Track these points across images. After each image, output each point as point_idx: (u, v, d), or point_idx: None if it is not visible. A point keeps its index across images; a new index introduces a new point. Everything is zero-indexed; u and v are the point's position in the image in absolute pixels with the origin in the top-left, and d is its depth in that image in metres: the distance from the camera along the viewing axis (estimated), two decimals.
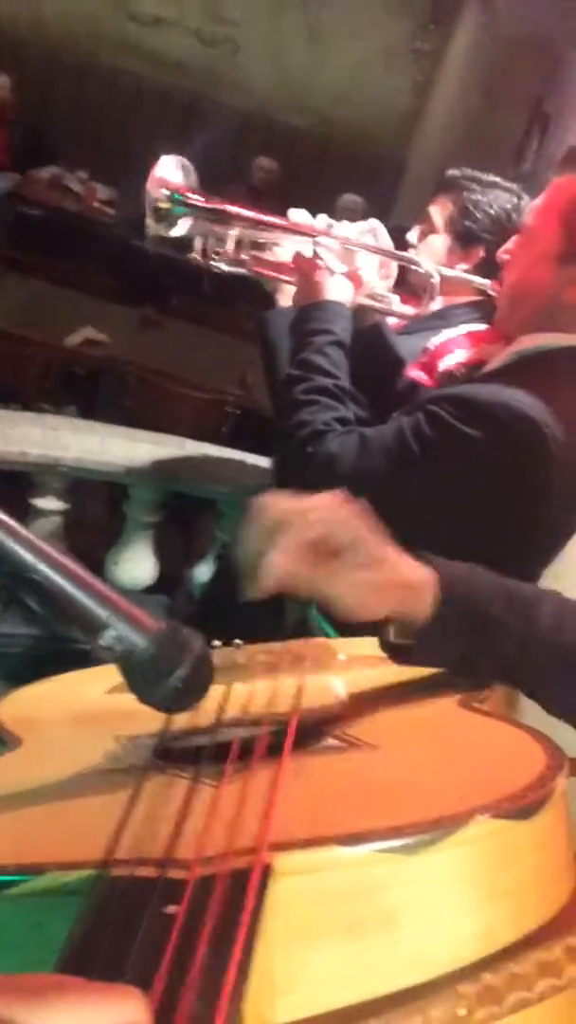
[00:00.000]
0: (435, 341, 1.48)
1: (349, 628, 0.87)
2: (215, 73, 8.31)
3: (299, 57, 8.35)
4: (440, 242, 1.79)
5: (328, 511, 0.73)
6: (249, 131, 8.07)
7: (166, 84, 8.22)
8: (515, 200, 1.78)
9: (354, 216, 1.67)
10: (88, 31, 7.96)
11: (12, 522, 0.52)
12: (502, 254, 1.36)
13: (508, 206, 1.77)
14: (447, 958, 0.43)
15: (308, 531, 0.70)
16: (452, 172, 1.83)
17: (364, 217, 1.63)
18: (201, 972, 0.37)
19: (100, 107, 7.98)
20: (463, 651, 0.73)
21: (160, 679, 0.55)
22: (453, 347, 1.45)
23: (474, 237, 1.76)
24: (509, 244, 1.36)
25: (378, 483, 1.24)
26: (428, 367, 1.46)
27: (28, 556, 0.52)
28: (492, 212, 1.76)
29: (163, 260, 4.81)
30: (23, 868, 0.45)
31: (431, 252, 1.75)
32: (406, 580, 0.72)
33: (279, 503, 0.72)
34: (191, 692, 0.57)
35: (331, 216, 1.60)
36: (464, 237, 1.77)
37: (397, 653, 0.75)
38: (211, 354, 4.09)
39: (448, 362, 1.43)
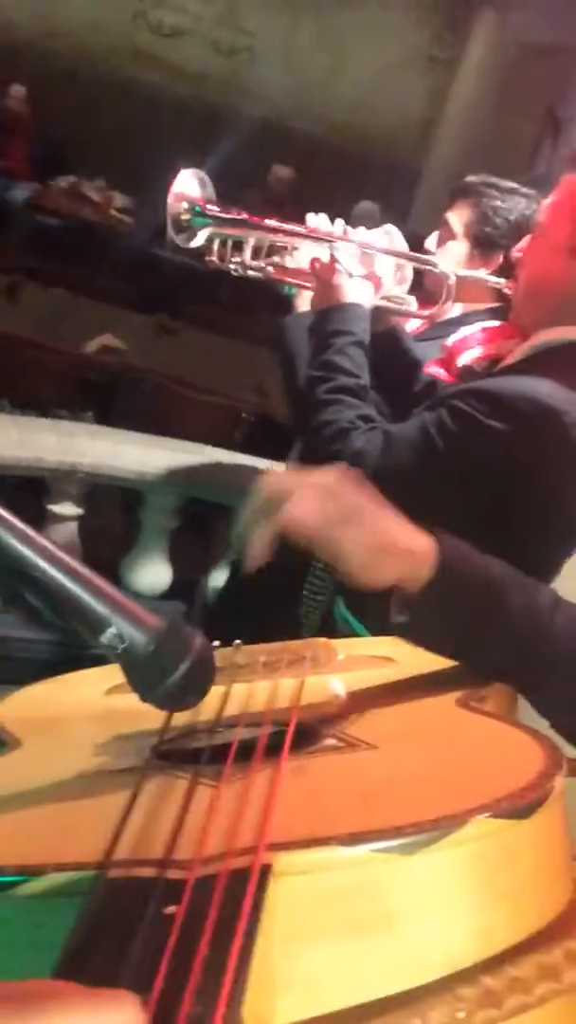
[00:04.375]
0: (453, 338, 1.49)
1: (380, 628, 0.87)
2: (232, 82, 8.35)
3: (316, 66, 8.38)
4: (460, 248, 1.79)
5: (328, 481, 0.77)
6: (266, 139, 8.09)
7: (183, 93, 8.26)
8: (534, 206, 1.77)
9: (370, 223, 1.68)
10: (105, 41, 8.03)
11: (12, 518, 0.52)
12: (516, 252, 1.37)
13: (528, 212, 1.76)
14: (446, 958, 0.43)
15: (309, 499, 0.74)
16: (471, 178, 1.83)
17: (380, 223, 1.64)
18: (200, 973, 0.37)
19: (118, 116, 8.03)
20: (461, 622, 0.74)
21: (161, 677, 0.55)
22: (471, 343, 1.46)
23: (494, 243, 1.76)
24: (523, 243, 1.37)
25: (403, 478, 1.25)
26: (447, 364, 1.47)
27: (28, 552, 0.52)
28: (512, 219, 1.76)
29: (180, 268, 4.83)
30: (23, 869, 0.45)
31: (451, 258, 1.75)
32: (405, 547, 0.75)
33: (282, 476, 0.75)
34: (192, 691, 0.56)
35: (347, 223, 1.61)
36: (484, 243, 1.77)
37: (400, 630, 0.76)
38: (227, 361, 4.10)
39: (467, 357, 1.44)
